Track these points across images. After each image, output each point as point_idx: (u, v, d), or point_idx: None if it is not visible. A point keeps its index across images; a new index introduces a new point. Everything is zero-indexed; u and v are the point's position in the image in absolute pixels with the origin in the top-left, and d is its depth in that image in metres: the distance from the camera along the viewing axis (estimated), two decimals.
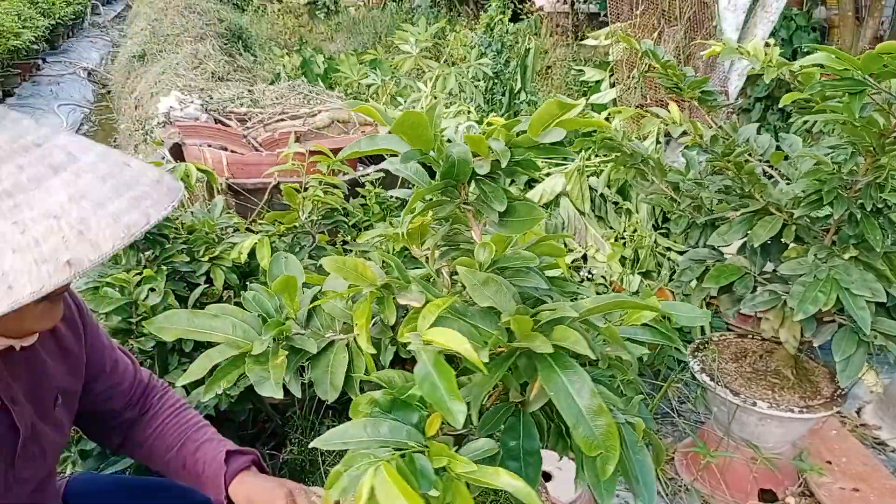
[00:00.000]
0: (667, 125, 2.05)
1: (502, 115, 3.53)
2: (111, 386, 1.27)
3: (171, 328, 0.97)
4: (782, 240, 1.78)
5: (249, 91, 4.12)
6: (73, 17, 13.12)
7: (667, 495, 2.19)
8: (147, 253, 2.05)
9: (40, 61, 10.11)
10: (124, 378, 1.29)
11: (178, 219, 2.23)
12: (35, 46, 9.56)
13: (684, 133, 2.22)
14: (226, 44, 7.92)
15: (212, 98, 3.49)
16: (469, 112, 3.42)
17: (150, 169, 0.88)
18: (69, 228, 0.76)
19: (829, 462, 2.30)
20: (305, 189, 2.20)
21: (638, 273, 2.87)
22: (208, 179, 2.49)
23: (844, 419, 2.61)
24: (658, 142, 3.32)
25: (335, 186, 2.16)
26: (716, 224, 1.97)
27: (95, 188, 0.80)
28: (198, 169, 1.96)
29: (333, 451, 2.03)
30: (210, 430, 1.31)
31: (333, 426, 2.08)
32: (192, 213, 2.34)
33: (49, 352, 1.11)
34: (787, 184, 1.92)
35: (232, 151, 2.75)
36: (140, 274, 1.82)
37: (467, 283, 0.84)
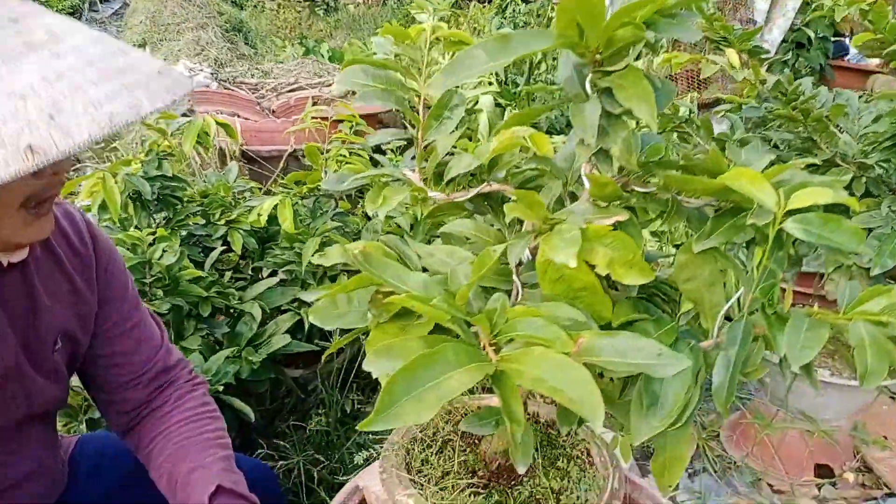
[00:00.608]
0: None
1: (522, 87, 3.40)
2: (121, 351, 1.10)
3: None
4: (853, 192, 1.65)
5: (257, 69, 3.98)
6: (71, 10, 12.99)
7: (716, 472, 2.05)
8: (159, 216, 1.92)
9: None
10: (139, 348, 1.12)
11: (192, 183, 2.10)
12: None
13: (718, 101, 2.08)
14: (227, 32, 7.79)
15: (223, 68, 3.36)
16: (490, 83, 3.30)
17: (155, 61, 0.74)
18: (37, 112, 0.62)
19: (885, 437, 2.16)
20: (327, 152, 2.06)
21: None
22: (221, 148, 2.35)
23: (894, 395, 2.47)
24: (691, 112, 3.19)
25: (360, 147, 2.02)
26: None
27: (77, 71, 0.66)
28: (216, 123, 1.82)
29: (361, 418, 1.89)
30: (217, 452, 1.08)
31: (359, 400, 1.94)
32: (204, 179, 2.20)
33: (55, 289, 0.98)
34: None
35: (244, 119, 2.63)
36: (154, 234, 1.69)
37: None
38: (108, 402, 1.13)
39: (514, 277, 0.78)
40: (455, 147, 0.85)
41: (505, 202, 0.89)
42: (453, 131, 0.83)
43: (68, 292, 1.01)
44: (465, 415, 1.08)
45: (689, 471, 2.07)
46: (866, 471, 2.07)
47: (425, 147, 0.85)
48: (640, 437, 0.73)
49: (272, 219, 2.04)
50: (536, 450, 1.01)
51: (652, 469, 0.80)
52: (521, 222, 0.81)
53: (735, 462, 2.07)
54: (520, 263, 0.80)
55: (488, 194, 0.88)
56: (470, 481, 0.94)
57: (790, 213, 0.68)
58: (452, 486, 0.93)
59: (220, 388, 1.57)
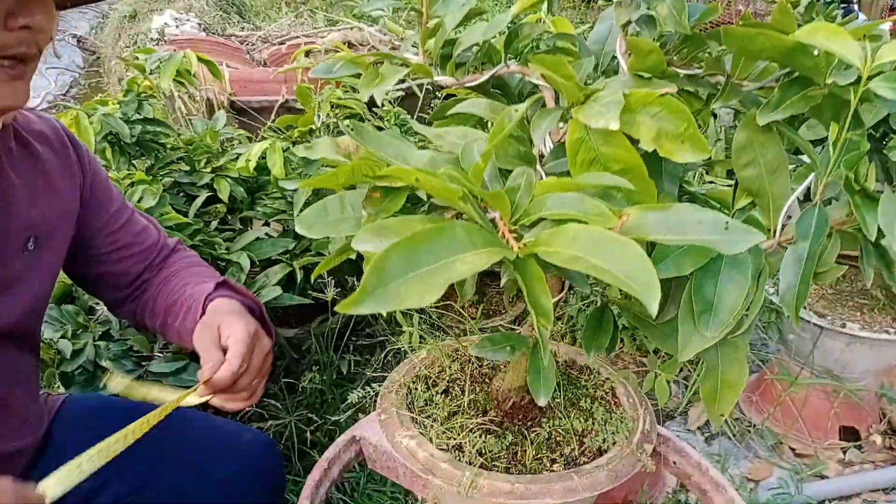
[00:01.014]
0: None
1: None
2: (124, 245, 1.09)
3: None
4: None
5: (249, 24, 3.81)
6: None
7: (734, 436, 1.93)
8: (141, 165, 1.79)
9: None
10: (142, 239, 1.11)
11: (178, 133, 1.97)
12: None
13: None
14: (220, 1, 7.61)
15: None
16: None
17: None
18: None
19: None
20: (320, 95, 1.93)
21: None
22: (209, 98, 2.22)
23: None
24: None
25: (354, 90, 1.88)
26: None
27: None
28: (199, 59, 1.68)
29: (358, 382, 1.77)
30: (216, 276, 1.10)
31: (356, 362, 1.82)
32: (190, 124, 2.07)
33: (28, 186, 0.91)
34: None
35: (233, 69, 2.49)
36: (132, 175, 1.56)
37: None
38: (117, 295, 1.12)
39: (538, 167, 0.65)
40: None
41: (525, 95, 0.76)
42: (465, 3, 0.70)
43: (46, 190, 0.94)
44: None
45: (706, 434, 1.96)
46: (892, 433, 1.96)
47: (430, 25, 0.72)
48: (688, 352, 0.61)
49: (262, 169, 1.91)
50: (556, 389, 0.89)
51: (702, 394, 0.68)
52: (545, 106, 0.68)
53: (754, 425, 1.96)
54: (541, 156, 0.68)
55: (505, 83, 0.75)
56: (480, 421, 0.82)
57: (873, 77, 0.55)
58: (460, 427, 0.81)
59: None
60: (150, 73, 1.72)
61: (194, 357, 1.50)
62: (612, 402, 0.89)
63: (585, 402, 0.87)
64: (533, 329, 0.80)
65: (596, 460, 0.79)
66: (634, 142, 0.58)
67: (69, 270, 1.10)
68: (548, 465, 0.79)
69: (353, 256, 0.80)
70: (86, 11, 13.32)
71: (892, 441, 1.93)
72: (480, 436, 0.79)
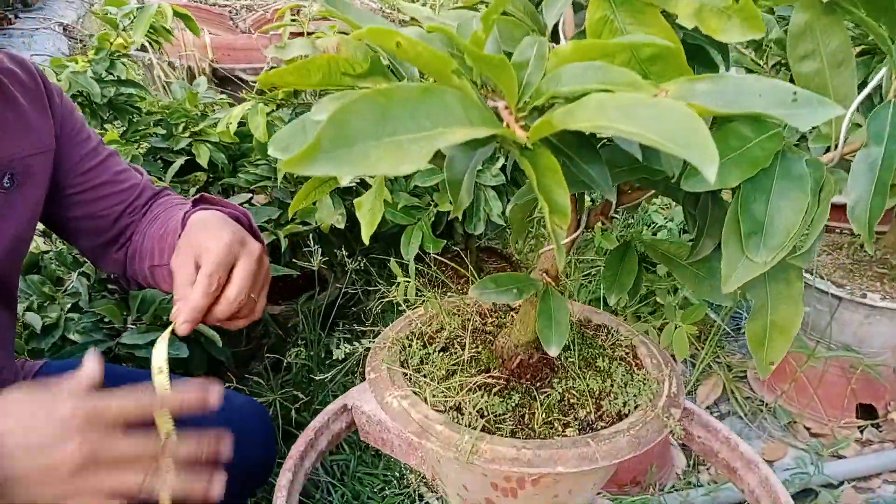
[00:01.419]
0: None
1: None
2: (101, 183, 1.02)
3: None
4: None
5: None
6: None
7: (746, 415, 1.83)
8: (114, 129, 1.67)
9: (12, 16, 9.62)
10: (122, 178, 1.05)
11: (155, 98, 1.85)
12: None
13: None
14: None
15: None
16: None
17: None
18: None
19: None
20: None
21: None
22: (189, 67, 2.11)
23: None
24: None
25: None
26: None
27: None
28: (175, 14, 1.56)
29: (347, 360, 1.66)
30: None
31: (346, 339, 1.71)
32: (168, 90, 1.96)
33: (2, 120, 0.88)
34: None
35: (215, 35, 2.37)
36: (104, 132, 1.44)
37: None
38: (100, 240, 1.05)
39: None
40: None
41: None
42: None
43: (19, 128, 0.90)
44: (479, 312, 0.85)
45: (716, 414, 1.86)
46: None
47: None
48: (733, 282, 0.51)
49: (245, 136, 1.80)
50: (569, 347, 0.78)
51: (748, 338, 0.57)
52: None
53: (767, 404, 1.86)
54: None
55: None
56: (483, 379, 0.71)
57: None
58: (460, 386, 0.70)
59: None
60: (123, 30, 1.60)
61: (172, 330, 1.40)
62: (633, 363, 0.78)
63: (603, 361, 0.77)
64: (543, 273, 0.69)
65: (616, 425, 0.69)
66: (670, 19, 0.48)
67: (49, 219, 1.03)
68: (560, 429, 0.68)
69: (336, 189, 0.69)
70: (72, 1, 13.14)
71: None
72: (483, 396, 0.68)
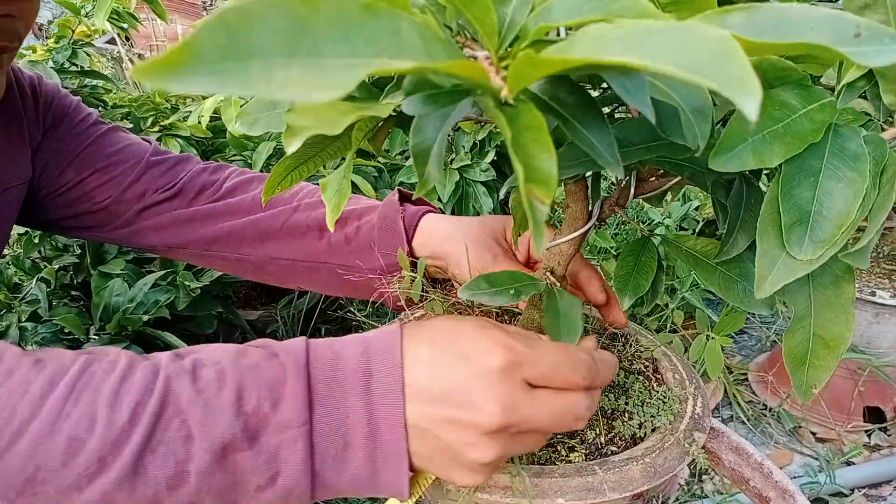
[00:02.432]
0: None
1: None
2: (112, 152, 0.89)
3: None
4: None
5: None
6: None
7: (748, 420, 1.75)
8: None
9: None
10: (128, 147, 0.90)
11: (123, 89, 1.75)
12: None
13: None
14: None
15: None
16: None
17: None
18: None
19: None
20: None
21: None
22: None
23: None
24: None
25: None
26: None
27: None
28: None
29: None
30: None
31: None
32: (138, 84, 1.85)
33: None
34: None
35: (187, 28, 2.26)
36: None
37: None
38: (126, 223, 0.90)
39: None
40: None
41: None
42: None
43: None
44: (485, 313, 0.75)
45: (718, 419, 1.77)
46: None
47: None
48: (769, 284, 0.41)
49: (217, 131, 1.70)
50: None
51: (785, 354, 0.48)
52: None
53: (770, 408, 1.78)
54: None
55: None
56: None
57: None
58: None
59: (146, 319, 1.24)
60: (86, 16, 1.50)
61: (138, 340, 1.30)
62: (654, 378, 0.69)
63: (618, 375, 0.67)
64: (547, 273, 0.60)
65: (629, 450, 0.59)
66: None
67: (58, 216, 0.91)
68: (564, 453, 0.59)
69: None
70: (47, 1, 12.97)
71: None
72: None
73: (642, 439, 0.61)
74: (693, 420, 0.63)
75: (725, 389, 1.82)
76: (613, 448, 0.60)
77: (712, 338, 0.66)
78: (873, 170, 0.41)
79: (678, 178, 0.56)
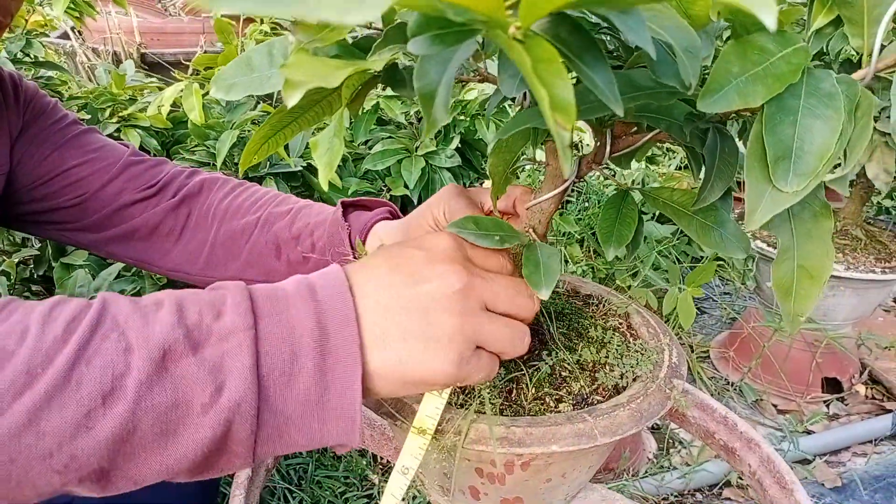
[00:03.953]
0: None
1: None
2: (91, 149, 0.89)
3: None
4: None
5: None
6: None
7: (712, 395, 1.79)
8: None
9: None
10: (105, 148, 0.90)
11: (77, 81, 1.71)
12: None
13: None
14: None
15: None
16: None
17: None
18: None
19: (887, 348, 1.96)
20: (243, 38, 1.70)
21: None
22: (115, 52, 1.97)
23: (887, 310, 2.28)
24: None
25: (280, 27, 1.67)
26: None
27: None
28: None
29: None
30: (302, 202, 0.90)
31: None
32: (93, 76, 1.82)
33: None
34: None
35: (143, 19, 2.22)
36: None
37: None
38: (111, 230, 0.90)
39: None
40: None
41: None
42: None
43: None
44: None
45: None
46: (874, 383, 1.86)
47: None
48: (759, 216, 0.43)
49: (179, 122, 1.68)
50: (558, 317, 0.70)
51: (774, 284, 0.50)
52: None
53: (732, 383, 1.83)
54: None
55: None
56: None
57: None
58: None
59: None
60: (40, 4, 1.46)
61: None
62: (628, 333, 0.71)
63: (596, 331, 0.69)
64: (530, 229, 0.61)
65: (615, 398, 0.61)
66: None
67: (32, 218, 0.90)
68: (552, 405, 0.60)
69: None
70: None
71: (874, 391, 1.83)
72: None
73: (625, 388, 0.63)
74: (671, 368, 0.65)
75: (689, 366, 1.86)
76: (598, 398, 0.62)
77: (684, 289, 0.68)
78: (847, 106, 0.43)
79: (651, 134, 0.58)
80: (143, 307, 0.42)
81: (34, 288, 1.39)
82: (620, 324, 0.72)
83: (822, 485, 1.53)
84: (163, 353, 0.40)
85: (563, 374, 0.64)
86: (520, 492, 0.63)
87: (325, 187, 0.47)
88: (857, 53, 0.48)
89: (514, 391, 0.61)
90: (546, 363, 0.63)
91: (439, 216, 0.71)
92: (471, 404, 0.57)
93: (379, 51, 0.45)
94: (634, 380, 0.64)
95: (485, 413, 0.56)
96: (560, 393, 0.61)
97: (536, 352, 0.66)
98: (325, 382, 0.43)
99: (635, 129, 0.59)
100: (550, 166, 0.60)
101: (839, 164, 0.45)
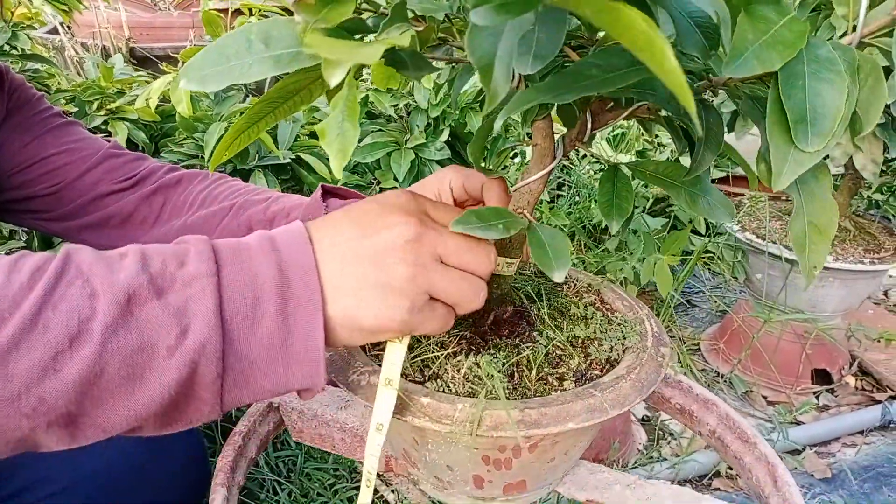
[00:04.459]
0: None
1: None
2: (67, 141, 0.89)
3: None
4: None
5: None
6: None
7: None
8: None
9: None
10: (84, 141, 0.91)
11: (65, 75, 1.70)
12: None
13: None
14: None
15: None
16: None
17: None
18: None
19: (877, 340, 1.97)
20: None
21: None
22: (105, 46, 1.96)
23: (877, 302, 2.29)
24: None
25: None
26: None
27: None
28: None
29: None
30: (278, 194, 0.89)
31: None
32: (81, 70, 1.80)
33: None
34: None
35: (132, 14, 2.21)
36: None
37: None
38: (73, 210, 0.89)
39: None
40: None
41: None
42: None
43: None
44: None
45: None
46: (863, 375, 1.87)
47: None
48: (786, 177, 0.45)
49: (167, 116, 1.67)
50: (539, 298, 0.70)
51: (792, 241, 0.52)
52: None
53: (722, 375, 1.83)
54: None
55: None
56: (462, 337, 0.62)
57: None
58: (438, 348, 0.61)
59: None
60: None
61: None
62: (604, 308, 0.71)
63: (577, 308, 0.69)
64: (521, 212, 0.61)
65: (614, 370, 0.61)
66: None
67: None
68: (555, 384, 0.60)
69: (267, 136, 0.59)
70: None
71: (863, 382, 1.84)
72: (466, 357, 0.59)
73: (617, 361, 0.63)
74: (655, 337, 0.65)
75: (679, 359, 1.87)
76: (596, 372, 0.62)
77: (660, 258, 0.69)
78: (848, 69, 0.44)
79: (630, 109, 0.58)
80: (107, 257, 0.43)
81: None
82: (595, 300, 0.73)
83: (812, 475, 1.53)
84: (127, 298, 0.41)
85: (557, 352, 0.64)
86: (524, 475, 0.63)
87: (339, 175, 0.45)
88: (845, 21, 0.48)
89: (516, 374, 0.60)
90: (541, 343, 0.63)
91: (444, 190, 0.71)
92: (480, 392, 0.56)
93: (386, 29, 0.45)
94: (624, 351, 0.64)
95: (497, 399, 0.56)
96: (559, 371, 0.61)
97: (526, 333, 0.65)
98: (287, 326, 0.45)
99: (611, 104, 0.60)
100: (539, 146, 0.60)
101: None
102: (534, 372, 0.59)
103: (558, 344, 0.63)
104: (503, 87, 0.35)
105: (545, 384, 0.59)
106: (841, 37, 0.48)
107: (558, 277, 0.51)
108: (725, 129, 0.59)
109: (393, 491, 1.42)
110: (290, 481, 1.39)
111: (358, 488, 1.40)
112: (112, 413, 0.41)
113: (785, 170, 0.42)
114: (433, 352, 0.61)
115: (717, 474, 1.51)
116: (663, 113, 0.60)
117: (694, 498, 0.76)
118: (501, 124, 0.46)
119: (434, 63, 0.54)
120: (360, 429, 0.80)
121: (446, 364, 0.59)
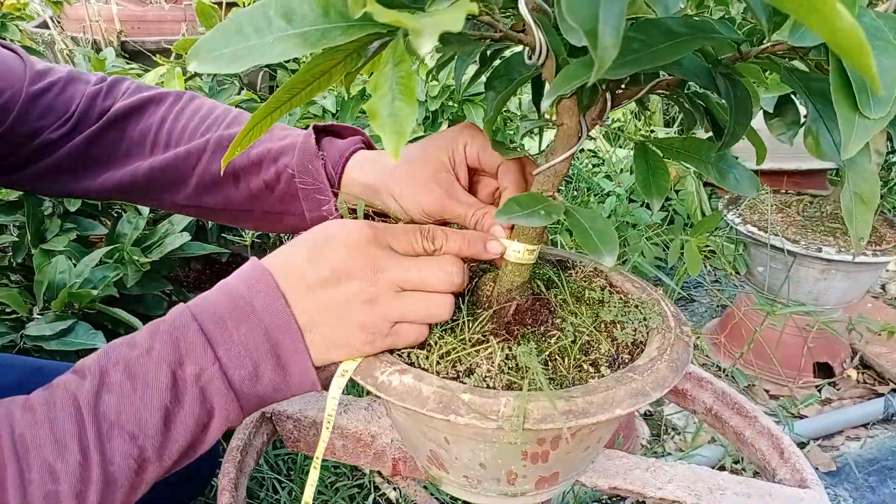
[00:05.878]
0: None
1: None
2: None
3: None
4: None
5: None
6: None
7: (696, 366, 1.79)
8: None
9: None
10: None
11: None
12: None
13: None
14: None
15: None
16: None
17: None
18: None
19: (878, 333, 1.96)
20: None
21: None
22: (95, 41, 1.93)
23: (875, 296, 2.29)
24: None
25: None
26: None
27: None
28: None
29: None
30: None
31: None
32: (72, 63, 1.77)
33: None
34: None
35: (122, 7, 2.17)
36: None
37: None
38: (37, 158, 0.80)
39: None
40: None
41: None
42: None
43: None
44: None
45: None
46: (865, 368, 1.86)
47: None
48: (855, 144, 0.44)
49: None
50: (555, 284, 0.68)
51: (843, 212, 0.52)
52: None
53: (724, 369, 1.82)
54: None
55: None
56: (489, 329, 0.60)
57: None
58: (467, 344, 0.58)
59: (95, 294, 1.18)
60: None
61: (87, 317, 1.23)
62: (616, 292, 0.69)
63: (593, 293, 0.67)
64: (544, 193, 0.59)
65: (644, 353, 0.59)
66: None
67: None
68: (591, 370, 0.58)
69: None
70: None
71: (865, 376, 1.83)
72: (498, 349, 0.57)
73: (643, 342, 0.62)
74: (675, 317, 0.63)
75: None
76: (626, 356, 0.60)
77: (688, 240, 0.67)
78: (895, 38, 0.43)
79: (649, 86, 0.56)
80: (121, 391, 0.51)
81: (13, 277, 1.34)
82: (605, 283, 0.71)
83: (817, 469, 1.52)
84: (164, 416, 0.52)
85: (584, 338, 0.61)
86: (559, 466, 0.61)
87: (396, 159, 0.40)
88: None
89: (549, 363, 0.58)
90: (567, 329, 0.61)
91: (458, 151, 0.68)
92: (519, 385, 0.54)
93: (436, 2, 0.42)
94: (648, 333, 0.63)
95: (539, 390, 0.53)
96: (591, 357, 0.59)
97: (549, 320, 0.63)
98: (284, 373, 0.55)
99: (627, 82, 0.58)
100: (565, 125, 0.58)
101: None
102: (569, 360, 0.57)
103: (583, 329, 0.61)
104: (611, 52, 0.32)
105: (580, 371, 0.57)
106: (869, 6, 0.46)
107: (609, 262, 0.49)
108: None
109: (395, 489, 1.39)
110: (291, 480, 1.36)
111: (359, 486, 1.38)
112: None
113: (853, 137, 0.41)
114: (463, 349, 0.58)
115: (723, 468, 1.50)
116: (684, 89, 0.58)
117: (712, 474, 0.75)
118: (549, 104, 0.44)
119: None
120: (363, 433, 0.78)
121: (477, 357, 0.57)
